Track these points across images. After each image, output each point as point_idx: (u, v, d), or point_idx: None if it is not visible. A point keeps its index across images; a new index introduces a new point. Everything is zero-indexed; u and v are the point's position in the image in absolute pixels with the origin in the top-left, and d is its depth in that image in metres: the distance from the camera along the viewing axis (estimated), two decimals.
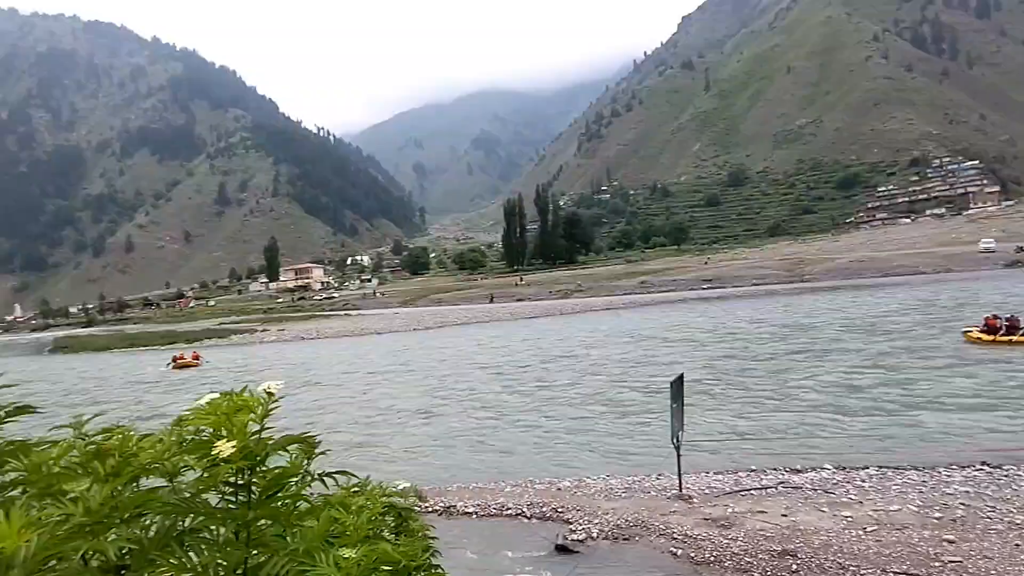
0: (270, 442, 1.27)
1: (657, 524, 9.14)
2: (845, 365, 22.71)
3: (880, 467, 10.90)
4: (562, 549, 9.21)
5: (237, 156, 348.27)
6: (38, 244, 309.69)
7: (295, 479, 1.31)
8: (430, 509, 11.34)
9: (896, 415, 15.41)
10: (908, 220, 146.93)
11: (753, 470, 11.53)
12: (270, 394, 1.32)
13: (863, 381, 19.78)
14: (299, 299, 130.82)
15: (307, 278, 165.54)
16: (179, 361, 41.50)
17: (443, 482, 13.18)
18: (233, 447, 1.20)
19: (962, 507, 8.63)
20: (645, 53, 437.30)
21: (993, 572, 6.72)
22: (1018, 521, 8.04)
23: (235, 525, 1.23)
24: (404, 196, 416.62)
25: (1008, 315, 24.02)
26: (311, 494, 1.33)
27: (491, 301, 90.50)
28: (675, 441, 10.07)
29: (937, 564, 6.96)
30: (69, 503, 1.10)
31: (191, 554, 1.13)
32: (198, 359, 42.82)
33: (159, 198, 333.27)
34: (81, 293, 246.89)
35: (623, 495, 10.82)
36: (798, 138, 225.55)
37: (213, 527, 1.20)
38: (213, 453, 1.21)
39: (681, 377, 10.32)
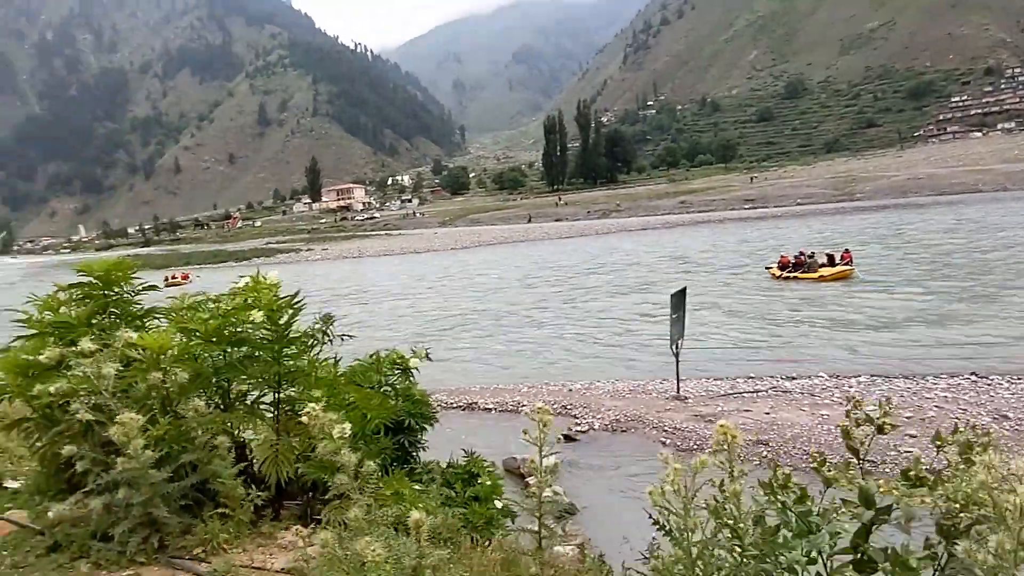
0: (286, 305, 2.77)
1: (652, 419, 10.15)
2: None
3: (872, 375, 11.58)
4: (567, 438, 10.38)
5: (276, 75, 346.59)
6: (94, 167, 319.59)
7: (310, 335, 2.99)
8: (453, 406, 12.63)
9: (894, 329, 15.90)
10: (979, 134, 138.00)
11: (751, 377, 12.36)
12: (275, 282, 2.81)
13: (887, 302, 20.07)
14: (341, 219, 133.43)
15: (349, 199, 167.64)
16: (170, 280, 46.26)
17: (466, 384, 14.44)
18: (261, 313, 2.70)
19: (935, 409, 9.33)
20: None
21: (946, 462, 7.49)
22: (984, 422, 8.72)
23: (270, 352, 2.77)
24: (443, 114, 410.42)
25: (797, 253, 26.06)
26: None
27: (529, 221, 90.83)
28: (674, 349, 10.90)
29: (893, 453, 7.77)
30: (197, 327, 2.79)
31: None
32: (187, 277, 49.41)
33: (202, 119, 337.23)
34: (136, 214, 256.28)
35: (626, 395, 11.84)
36: (867, 43, 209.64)
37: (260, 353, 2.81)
38: (250, 316, 2.72)
39: (683, 291, 11.02)
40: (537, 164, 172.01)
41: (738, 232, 52.11)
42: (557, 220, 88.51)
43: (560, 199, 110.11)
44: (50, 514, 2.54)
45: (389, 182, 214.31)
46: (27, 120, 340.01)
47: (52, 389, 2.54)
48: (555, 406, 11.89)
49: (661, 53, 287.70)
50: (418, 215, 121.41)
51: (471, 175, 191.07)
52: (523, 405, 12.43)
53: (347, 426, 2.07)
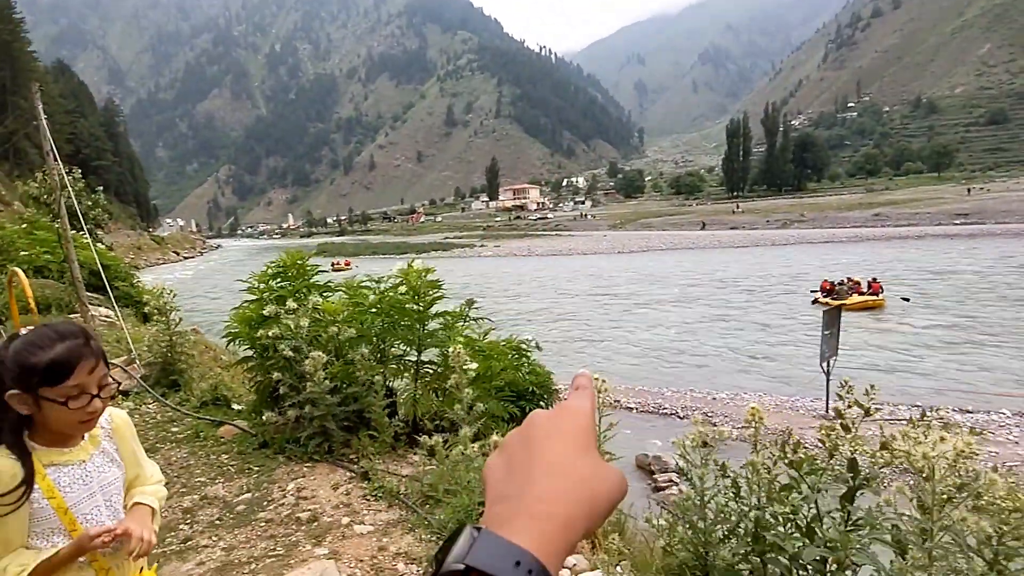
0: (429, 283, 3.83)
1: (794, 435, 9.97)
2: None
3: None
4: (703, 444, 10.57)
5: (464, 78, 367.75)
6: (303, 162, 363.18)
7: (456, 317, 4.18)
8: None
9: None
10: None
11: (917, 405, 11.51)
12: (427, 268, 3.92)
13: None
14: (515, 218, 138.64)
15: (524, 198, 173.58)
16: (335, 266, 51.00)
17: (613, 382, 14.92)
18: (407, 288, 3.87)
19: None
20: None
21: None
22: None
23: (414, 322, 3.90)
24: (623, 116, 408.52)
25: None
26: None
27: (702, 228, 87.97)
28: (825, 366, 10.58)
29: None
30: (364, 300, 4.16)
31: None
32: (349, 264, 53.45)
33: (396, 120, 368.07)
34: (335, 205, 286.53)
35: (771, 410, 11.64)
36: None
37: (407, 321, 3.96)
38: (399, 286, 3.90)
39: (838, 308, 10.64)
40: (717, 169, 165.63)
41: (937, 249, 46.49)
42: (732, 228, 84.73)
43: (737, 206, 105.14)
44: (263, 417, 3.65)
45: (564, 183, 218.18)
46: (256, 121, 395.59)
47: (270, 333, 3.64)
48: (696, 413, 12.03)
49: (869, 49, 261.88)
50: (589, 217, 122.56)
51: (647, 178, 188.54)
52: (663, 408, 12.73)
53: (474, 364, 2.90)
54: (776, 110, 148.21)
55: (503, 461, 0.48)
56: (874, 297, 23.91)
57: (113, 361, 6.80)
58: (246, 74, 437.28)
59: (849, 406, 2.32)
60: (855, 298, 23.74)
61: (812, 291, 26.74)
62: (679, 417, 12.06)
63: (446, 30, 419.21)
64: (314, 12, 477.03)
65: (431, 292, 3.56)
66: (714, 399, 12.96)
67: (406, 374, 3.79)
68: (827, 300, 24.43)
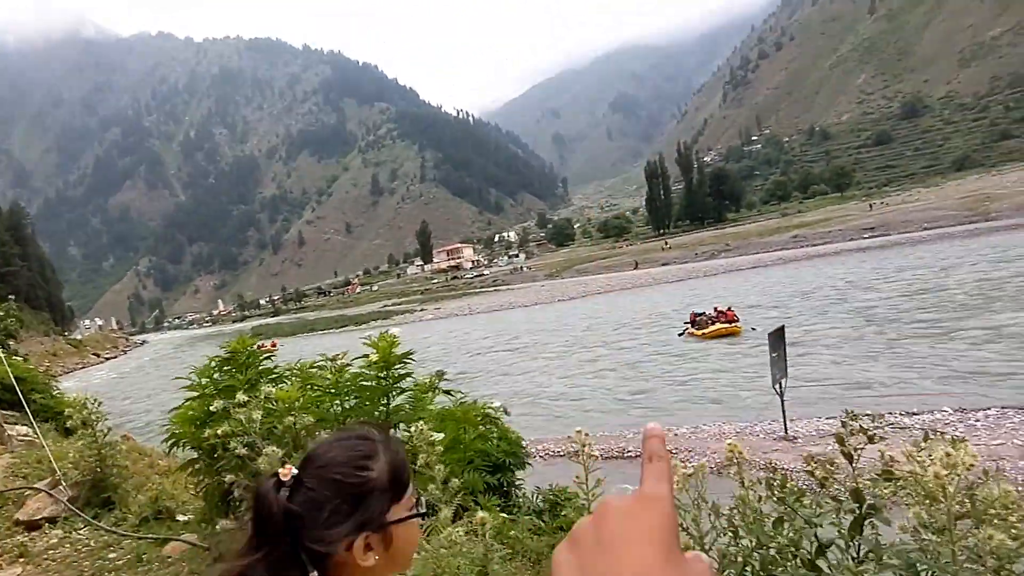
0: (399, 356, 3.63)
1: (757, 460, 9.96)
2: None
3: (1003, 407, 10.76)
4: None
5: (386, 147, 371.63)
6: (229, 246, 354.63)
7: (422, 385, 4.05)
8: (560, 453, 12.96)
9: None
10: None
11: (868, 415, 11.78)
12: (394, 337, 3.72)
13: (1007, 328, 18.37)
14: (452, 278, 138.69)
15: (458, 258, 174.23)
16: (260, 348, 49.95)
17: (571, 431, 14.70)
18: (377, 357, 3.60)
19: None
20: None
21: None
22: None
23: (380, 392, 3.67)
24: (545, 168, 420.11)
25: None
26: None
27: (635, 268, 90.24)
28: (777, 388, 10.74)
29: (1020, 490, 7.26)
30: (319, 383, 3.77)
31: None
32: (275, 345, 52.49)
33: (321, 194, 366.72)
34: (267, 286, 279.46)
35: (732, 437, 11.68)
36: (991, 52, 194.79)
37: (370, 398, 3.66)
38: (370, 358, 3.65)
39: (781, 329, 10.91)
40: (641, 210, 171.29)
41: (851, 263, 49.21)
42: (664, 264, 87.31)
43: (666, 243, 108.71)
44: (216, 527, 3.28)
45: (496, 239, 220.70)
46: (175, 209, 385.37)
47: (220, 431, 3.31)
48: None
49: (762, 87, 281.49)
50: (525, 269, 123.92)
51: (576, 225, 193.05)
52: (628, 450, 12.58)
53: (440, 435, 2.67)
54: (688, 149, 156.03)
55: (576, 564, 0.41)
56: (728, 325, 25.53)
57: (36, 485, 6.13)
58: (161, 163, 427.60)
59: (852, 433, 2.24)
60: (714, 327, 25.45)
61: (685, 323, 28.24)
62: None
63: (363, 102, 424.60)
64: (228, 97, 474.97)
65: (400, 365, 3.35)
66: (676, 435, 12.92)
67: None
68: (692, 331, 26.38)
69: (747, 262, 69.65)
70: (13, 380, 7.60)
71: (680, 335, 26.80)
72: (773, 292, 38.66)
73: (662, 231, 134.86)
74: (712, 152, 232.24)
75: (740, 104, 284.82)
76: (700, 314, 26.95)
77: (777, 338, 10.69)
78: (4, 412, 9.02)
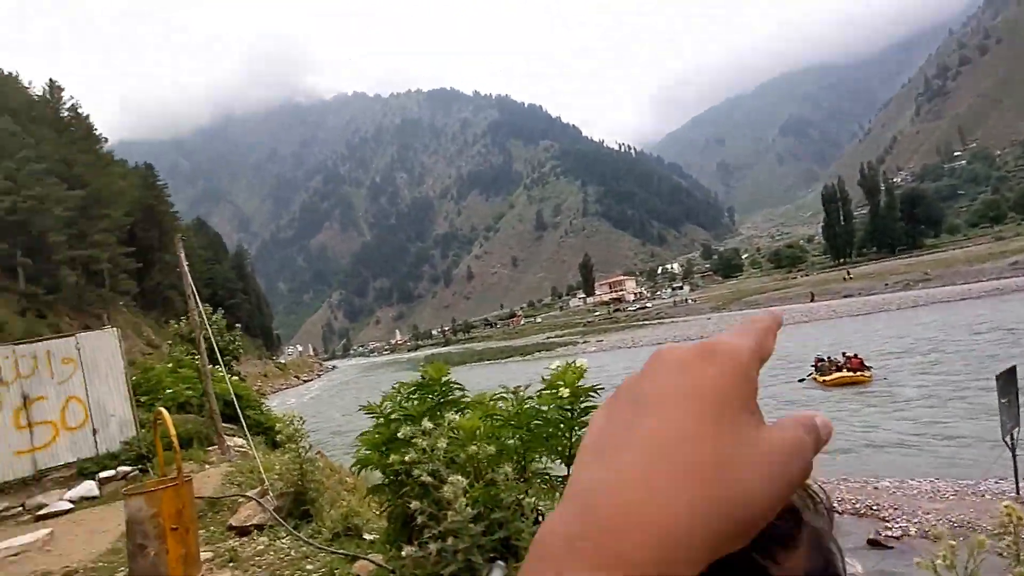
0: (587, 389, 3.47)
1: (987, 526, 8.47)
2: None
3: None
4: (874, 543, 9.21)
5: (549, 184, 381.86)
6: (406, 280, 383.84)
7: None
8: None
9: None
10: None
11: None
12: (582, 367, 3.62)
13: None
14: (615, 311, 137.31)
15: (620, 290, 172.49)
16: None
17: None
18: (568, 389, 3.43)
19: None
20: None
21: None
22: None
23: (567, 428, 3.49)
24: (710, 198, 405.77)
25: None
26: None
27: (812, 300, 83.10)
28: (1008, 440, 9.13)
29: None
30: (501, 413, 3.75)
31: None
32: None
33: (489, 230, 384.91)
34: (439, 317, 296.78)
35: (950, 496, 10.08)
36: None
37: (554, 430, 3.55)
38: (560, 391, 3.48)
39: (1012, 369, 9.30)
40: (817, 238, 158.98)
41: None
42: (847, 296, 79.53)
43: (848, 273, 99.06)
44: (403, 552, 3.35)
45: (659, 271, 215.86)
46: (362, 247, 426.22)
47: (407, 458, 3.42)
48: (857, 505, 10.65)
49: (965, 96, 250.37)
50: (689, 301, 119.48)
51: (744, 256, 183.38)
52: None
53: None
54: (873, 169, 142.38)
55: (602, 425, 0.29)
56: (853, 373, 22.93)
57: (247, 493, 6.83)
58: (352, 206, 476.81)
59: None
60: (839, 375, 23.06)
61: (811, 366, 25.54)
62: (837, 513, 10.66)
63: (528, 142, 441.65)
64: (408, 144, 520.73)
65: (586, 396, 3.25)
66: (876, 488, 11.43)
67: (556, 493, 3.40)
68: (814, 377, 24.07)
69: (951, 293, 61.18)
70: (235, 397, 8.62)
71: (801, 380, 24.33)
72: (983, 328, 33.44)
73: (842, 260, 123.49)
74: (903, 172, 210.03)
75: (938, 117, 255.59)
76: (822, 359, 24.68)
77: (1008, 381, 9.11)
78: (225, 425, 10.26)
